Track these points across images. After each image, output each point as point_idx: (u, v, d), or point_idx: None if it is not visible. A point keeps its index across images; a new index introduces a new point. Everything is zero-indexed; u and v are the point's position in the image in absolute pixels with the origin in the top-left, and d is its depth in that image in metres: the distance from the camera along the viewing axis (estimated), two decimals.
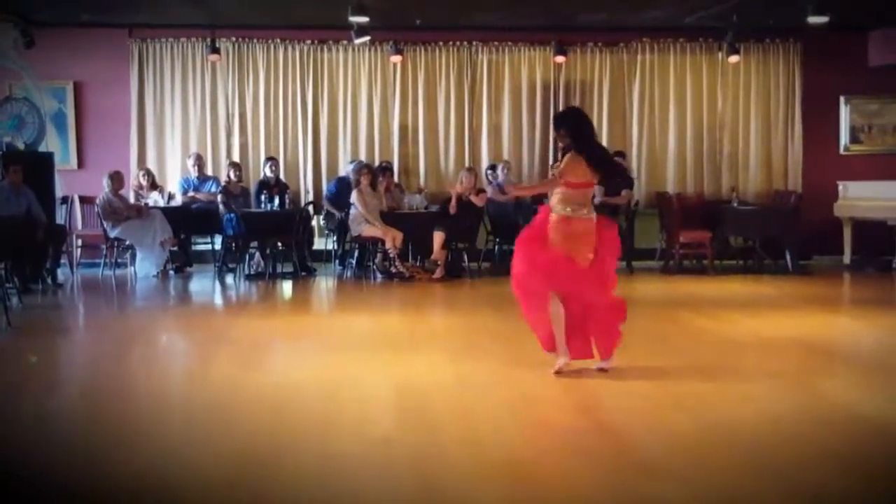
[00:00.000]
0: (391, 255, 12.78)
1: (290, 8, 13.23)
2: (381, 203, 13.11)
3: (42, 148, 13.92)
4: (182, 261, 13.84)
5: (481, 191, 13.41)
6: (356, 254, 13.54)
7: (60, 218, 13.55)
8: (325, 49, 14.56)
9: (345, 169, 14.10)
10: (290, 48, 14.51)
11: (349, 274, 13.48)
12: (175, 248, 13.51)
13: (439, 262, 12.84)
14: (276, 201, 13.04)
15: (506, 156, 14.53)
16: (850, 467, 5.09)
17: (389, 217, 13.01)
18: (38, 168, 12.97)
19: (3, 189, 12.14)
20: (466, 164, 14.34)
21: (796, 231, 13.53)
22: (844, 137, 15.12)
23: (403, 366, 7.53)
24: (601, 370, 7.05)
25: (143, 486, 4.85)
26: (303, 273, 13.25)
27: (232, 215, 13.01)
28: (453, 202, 12.99)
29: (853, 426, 5.91)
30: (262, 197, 13.18)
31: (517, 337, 8.64)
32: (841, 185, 14.22)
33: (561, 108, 14.50)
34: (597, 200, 13.75)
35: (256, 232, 12.99)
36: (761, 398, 6.52)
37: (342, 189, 13.63)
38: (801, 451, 5.36)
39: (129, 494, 4.76)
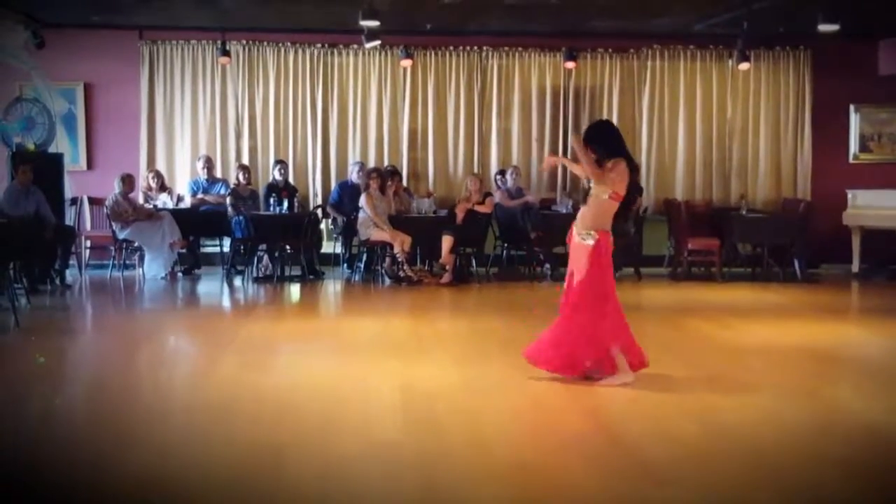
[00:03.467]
0: (399, 260, 12.78)
1: (301, 11, 13.23)
2: (389, 207, 13.12)
3: (52, 149, 13.93)
4: (190, 263, 13.85)
5: (488, 195, 13.42)
6: (364, 257, 13.55)
7: (69, 219, 13.57)
8: (336, 53, 14.57)
9: (348, 170, 14.13)
10: (300, 51, 14.52)
11: (357, 278, 13.49)
12: (183, 251, 13.53)
13: (447, 267, 12.84)
14: (285, 204, 13.04)
15: (515, 161, 14.52)
16: (854, 476, 5.08)
17: (398, 221, 13.01)
18: (48, 169, 12.99)
19: (12, 189, 12.18)
20: (475, 170, 14.36)
21: (805, 239, 13.50)
22: (854, 146, 15.09)
23: (410, 369, 7.53)
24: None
25: (146, 487, 4.85)
26: (311, 276, 13.25)
27: (241, 218, 13.02)
28: (460, 216, 13.02)
29: (859, 435, 5.90)
30: (271, 200, 13.18)
31: (524, 342, 8.63)
32: (850, 194, 14.19)
33: (570, 114, 14.56)
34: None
35: (265, 235, 13.00)
36: (768, 405, 6.51)
37: (344, 193, 13.67)
38: (807, 458, 5.35)
39: (132, 496, 4.77)
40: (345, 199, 13.68)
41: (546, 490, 4.85)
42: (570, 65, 14.47)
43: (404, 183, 14.21)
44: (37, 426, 6.03)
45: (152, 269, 13.12)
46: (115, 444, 5.58)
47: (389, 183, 13.31)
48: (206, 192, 13.82)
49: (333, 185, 14.36)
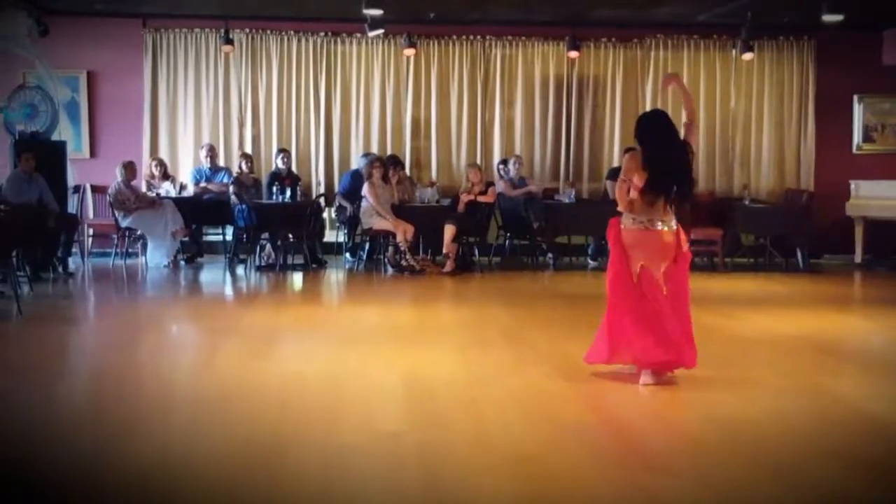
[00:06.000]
0: (402, 249, 12.77)
1: (304, 0, 13.23)
2: (392, 196, 13.11)
3: (55, 136, 13.93)
4: (193, 251, 13.87)
5: (490, 184, 13.42)
6: (367, 246, 13.55)
7: (72, 207, 13.58)
8: (339, 41, 14.55)
9: (357, 162, 14.10)
10: (303, 40, 14.50)
11: (360, 266, 13.50)
12: (186, 239, 13.53)
13: (450, 256, 12.84)
14: (288, 193, 13.04)
15: (518, 150, 14.51)
16: (855, 466, 5.07)
17: (401, 210, 13.01)
18: (51, 156, 13.00)
19: (15, 177, 12.19)
20: (478, 159, 14.36)
21: (808, 229, 13.49)
22: (857, 136, 15.07)
23: (412, 359, 7.53)
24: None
25: (146, 478, 4.84)
26: (313, 265, 13.26)
27: (243, 206, 13.03)
28: (461, 205, 13.04)
29: (860, 425, 5.90)
30: (274, 188, 13.18)
31: (526, 332, 8.66)
32: (853, 184, 14.18)
33: (574, 104, 14.51)
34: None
35: (268, 223, 13.00)
36: (768, 396, 6.51)
37: (356, 183, 13.64)
38: (807, 449, 5.36)
39: (133, 484, 4.76)
40: (357, 188, 13.59)
41: (547, 480, 4.85)
42: (574, 54, 14.44)
43: (407, 172, 14.19)
44: (38, 415, 6.03)
45: (155, 257, 13.13)
46: (116, 434, 5.58)
47: (392, 172, 13.31)
48: (208, 180, 13.82)
49: (336, 174, 14.39)
